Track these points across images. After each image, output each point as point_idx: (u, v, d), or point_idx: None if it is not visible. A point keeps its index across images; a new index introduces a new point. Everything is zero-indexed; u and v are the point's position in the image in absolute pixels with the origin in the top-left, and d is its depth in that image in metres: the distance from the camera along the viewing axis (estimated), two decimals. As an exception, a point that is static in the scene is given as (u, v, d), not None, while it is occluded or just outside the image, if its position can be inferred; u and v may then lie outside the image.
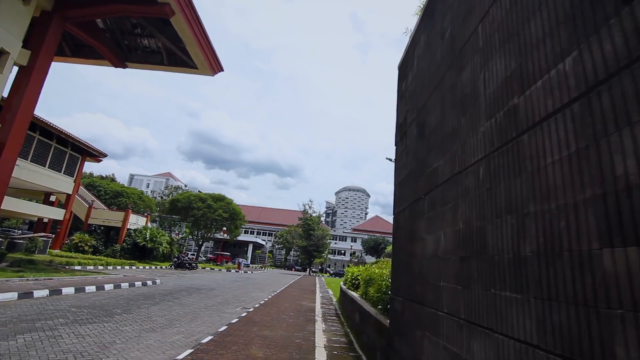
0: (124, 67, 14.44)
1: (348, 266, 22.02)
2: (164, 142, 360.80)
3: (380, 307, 5.34)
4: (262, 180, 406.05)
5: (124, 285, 13.65)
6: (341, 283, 15.57)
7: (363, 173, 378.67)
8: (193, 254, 51.89)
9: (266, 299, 14.28)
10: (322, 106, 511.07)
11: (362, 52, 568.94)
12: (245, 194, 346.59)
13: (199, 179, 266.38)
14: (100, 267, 22.12)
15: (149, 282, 15.50)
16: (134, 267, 25.50)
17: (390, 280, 5.31)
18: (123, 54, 14.23)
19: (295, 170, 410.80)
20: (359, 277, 9.94)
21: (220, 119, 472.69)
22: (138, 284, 14.58)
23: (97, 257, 25.78)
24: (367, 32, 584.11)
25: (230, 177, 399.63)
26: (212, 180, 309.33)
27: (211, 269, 38.87)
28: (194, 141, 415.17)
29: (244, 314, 9.90)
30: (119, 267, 23.82)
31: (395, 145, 5.07)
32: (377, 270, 7.24)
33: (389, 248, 22.89)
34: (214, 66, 13.72)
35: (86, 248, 28.54)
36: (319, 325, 9.02)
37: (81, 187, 37.06)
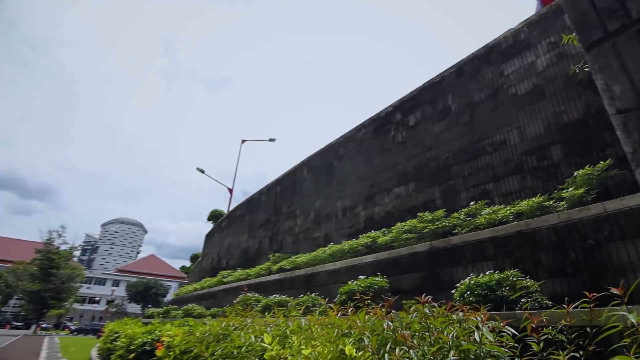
0: None
1: (101, 319, 13.88)
2: None
3: None
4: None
5: None
6: (93, 353, 8.52)
7: (141, 206, 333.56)
8: None
9: None
10: (105, 122, 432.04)
11: (167, 79, 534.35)
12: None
13: None
14: None
15: None
16: None
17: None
18: None
19: (49, 192, 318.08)
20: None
21: None
22: None
23: None
24: (177, 61, 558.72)
25: None
26: None
27: None
28: None
29: None
30: None
31: None
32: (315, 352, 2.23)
33: (185, 289, 15.80)
34: None
35: None
36: None
37: None
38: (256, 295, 7.47)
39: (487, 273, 3.48)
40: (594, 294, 2.14)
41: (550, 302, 3.09)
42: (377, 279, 4.93)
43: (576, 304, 2.32)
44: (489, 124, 6.20)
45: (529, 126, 5.63)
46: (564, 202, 4.15)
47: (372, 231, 7.04)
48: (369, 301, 3.91)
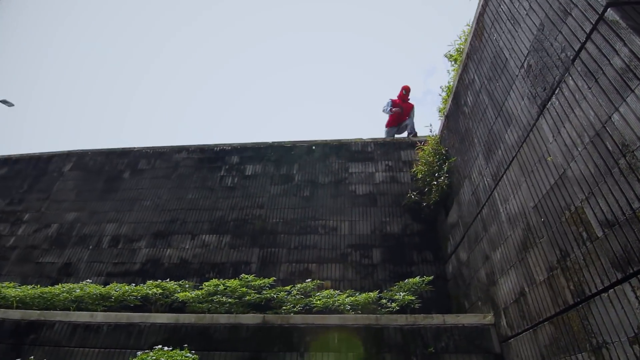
0: None
1: None
2: None
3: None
4: None
5: None
6: None
7: None
8: None
9: None
10: None
11: None
12: None
13: None
14: None
15: None
16: None
17: None
18: None
19: None
20: None
21: None
22: None
23: None
24: None
25: None
26: None
27: None
28: None
29: None
30: None
31: None
32: None
33: None
34: None
35: None
36: None
37: None
38: None
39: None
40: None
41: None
42: (188, 354, 3.46)
43: None
44: (326, 207, 6.42)
45: (359, 223, 6.19)
46: (395, 304, 4.47)
47: (160, 280, 5.28)
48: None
